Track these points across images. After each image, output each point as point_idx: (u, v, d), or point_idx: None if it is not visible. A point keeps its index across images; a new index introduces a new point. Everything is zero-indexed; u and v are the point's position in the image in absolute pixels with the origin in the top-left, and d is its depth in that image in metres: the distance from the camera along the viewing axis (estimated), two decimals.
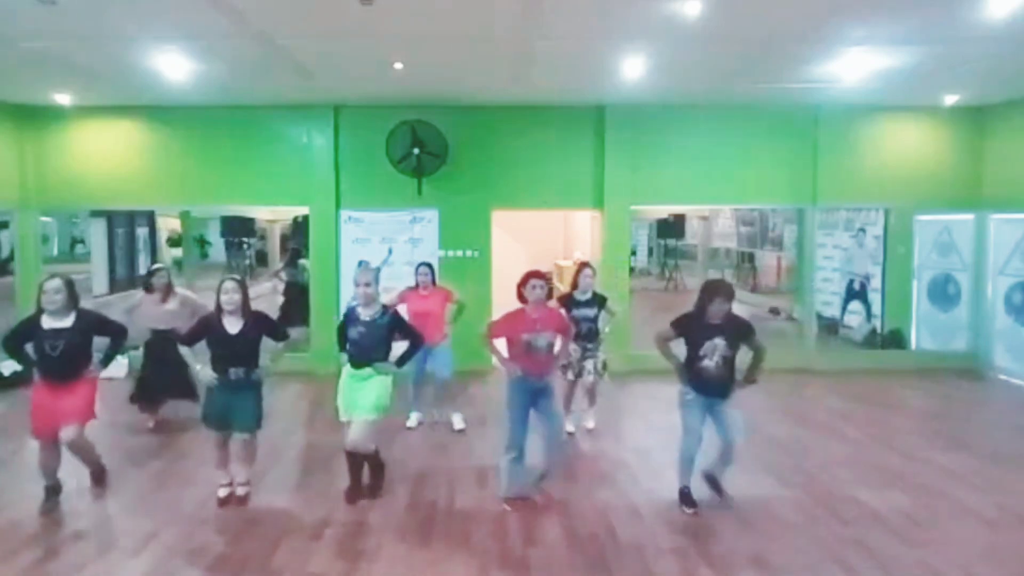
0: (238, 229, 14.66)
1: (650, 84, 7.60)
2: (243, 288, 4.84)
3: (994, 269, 9.13)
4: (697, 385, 4.80)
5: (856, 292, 10.10)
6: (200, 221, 14.49)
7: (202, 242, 16.16)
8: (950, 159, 9.31)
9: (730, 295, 4.77)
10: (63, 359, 4.73)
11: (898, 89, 7.90)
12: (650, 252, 16.09)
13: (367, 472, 5.13)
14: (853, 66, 6.87)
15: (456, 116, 8.89)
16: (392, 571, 4.07)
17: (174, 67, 6.76)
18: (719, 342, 4.71)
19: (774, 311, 13.13)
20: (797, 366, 9.12)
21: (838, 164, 9.22)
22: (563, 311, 5.87)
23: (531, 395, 4.83)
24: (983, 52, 6.41)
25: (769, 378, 8.55)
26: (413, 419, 6.75)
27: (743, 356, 4.93)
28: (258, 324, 4.92)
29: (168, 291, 6.53)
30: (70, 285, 4.80)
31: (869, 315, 10.10)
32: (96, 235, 10.91)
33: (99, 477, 5.23)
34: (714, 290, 4.74)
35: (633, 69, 6.98)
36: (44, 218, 10.28)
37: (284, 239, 15.61)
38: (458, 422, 6.65)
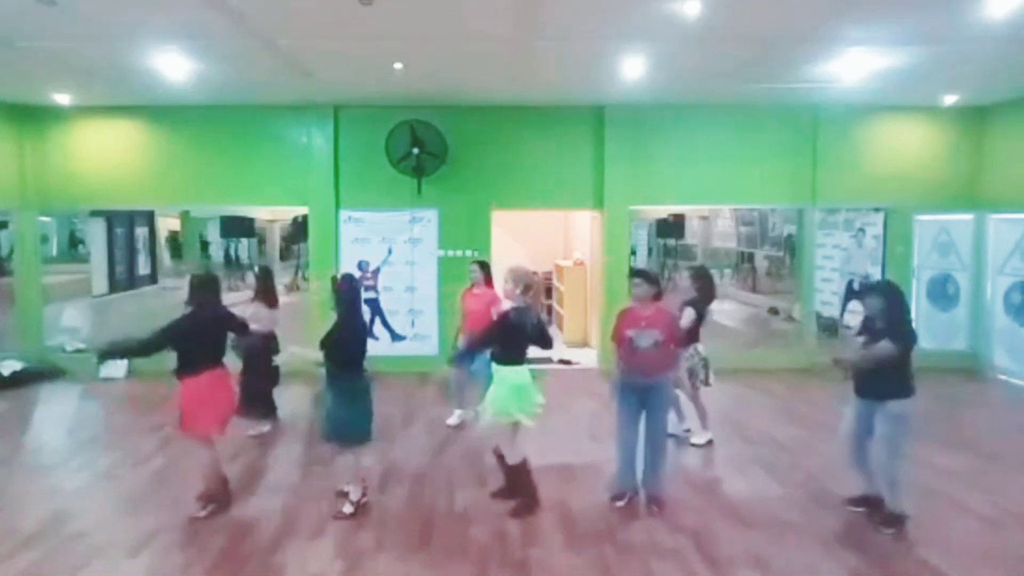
0: (237, 229, 14.68)
1: (650, 84, 7.60)
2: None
3: (993, 269, 9.14)
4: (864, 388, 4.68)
5: (855, 292, 10.10)
6: (200, 221, 14.52)
7: (204, 243, 16.18)
8: (949, 159, 9.31)
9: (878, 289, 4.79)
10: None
11: (898, 89, 7.91)
12: (650, 252, 16.09)
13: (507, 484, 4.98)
14: (853, 66, 6.87)
15: (456, 116, 8.89)
16: (392, 571, 4.07)
17: (174, 67, 6.76)
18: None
19: (773, 311, 13.14)
20: (797, 366, 9.13)
21: (838, 164, 9.22)
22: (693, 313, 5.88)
23: (639, 395, 4.78)
24: (983, 52, 6.41)
25: (769, 378, 8.63)
26: (456, 417, 6.74)
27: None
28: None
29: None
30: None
31: None
32: (96, 235, 10.90)
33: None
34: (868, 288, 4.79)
35: (633, 69, 6.97)
36: (43, 218, 10.29)
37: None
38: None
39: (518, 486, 4.88)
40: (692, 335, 5.96)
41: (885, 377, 4.49)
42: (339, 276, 5.06)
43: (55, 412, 7.64)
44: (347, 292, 4.79)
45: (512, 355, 4.75)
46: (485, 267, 6.64)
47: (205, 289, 4.90)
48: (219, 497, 4.85)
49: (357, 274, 9.13)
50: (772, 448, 6.19)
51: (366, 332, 4.96)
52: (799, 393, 8.10)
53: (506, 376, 4.71)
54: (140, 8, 5.27)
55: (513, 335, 4.75)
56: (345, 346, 4.72)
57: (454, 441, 6.38)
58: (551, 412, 7.32)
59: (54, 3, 4.98)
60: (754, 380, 8.57)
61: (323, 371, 4.80)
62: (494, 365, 4.80)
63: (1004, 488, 5.28)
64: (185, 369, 4.69)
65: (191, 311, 4.83)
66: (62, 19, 5.35)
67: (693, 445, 6.18)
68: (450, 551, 4.30)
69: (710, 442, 6.23)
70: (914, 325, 4.74)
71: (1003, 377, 8.85)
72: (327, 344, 4.72)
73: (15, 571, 4.05)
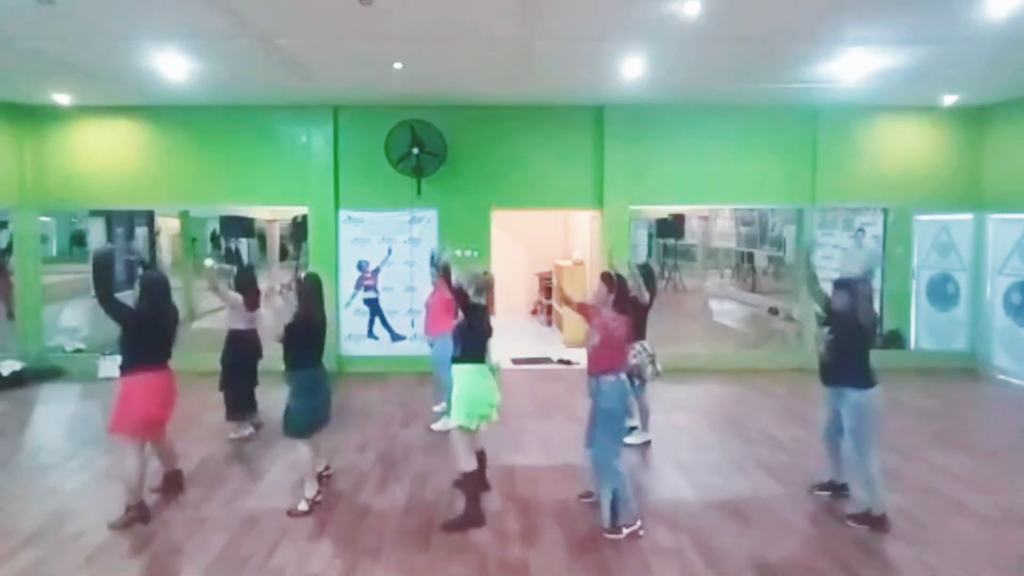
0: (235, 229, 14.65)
1: (649, 84, 7.60)
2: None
3: (993, 269, 9.14)
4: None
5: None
6: (200, 221, 14.49)
7: (216, 240, 16.11)
8: (949, 159, 9.31)
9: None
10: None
11: (898, 89, 7.90)
12: (649, 252, 16.11)
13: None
14: (853, 66, 6.87)
15: (456, 116, 8.89)
16: (391, 572, 4.07)
17: (174, 67, 6.76)
18: None
19: (773, 311, 13.14)
20: (797, 366, 9.12)
21: (837, 164, 9.22)
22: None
23: (592, 394, 4.79)
24: (983, 52, 6.41)
25: (769, 378, 8.63)
26: (442, 423, 6.58)
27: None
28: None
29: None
30: None
31: None
32: (95, 235, 10.90)
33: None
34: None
35: (632, 69, 6.98)
36: (43, 218, 10.27)
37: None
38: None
39: (465, 494, 4.72)
40: (638, 333, 5.77)
41: (845, 365, 4.66)
42: (304, 274, 5.11)
43: (55, 412, 7.63)
44: (305, 287, 4.90)
45: (468, 355, 4.76)
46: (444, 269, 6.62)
47: (158, 289, 4.80)
48: (139, 516, 4.64)
49: (356, 274, 9.17)
50: (772, 448, 6.19)
51: (323, 327, 5.01)
52: (799, 393, 8.10)
53: (464, 378, 4.71)
54: (140, 8, 5.27)
55: (468, 335, 4.77)
56: (301, 338, 4.84)
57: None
58: (551, 412, 7.38)
59: (54, 3, 4.98)
60: (754, 380, 8.58)
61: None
62: (453, 367, 4.79)
63: (1004, 488, 5.28)
64: (129, 365, 4.63)
65: (146, 307, 4.74)
66: (62, 19, 5.35)
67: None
68: (450, 551, 4.30)
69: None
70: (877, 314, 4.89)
71: (1003, 377, 8.85)
72: (286, 336, 4.84)
73: (15, 571, 4.05)
